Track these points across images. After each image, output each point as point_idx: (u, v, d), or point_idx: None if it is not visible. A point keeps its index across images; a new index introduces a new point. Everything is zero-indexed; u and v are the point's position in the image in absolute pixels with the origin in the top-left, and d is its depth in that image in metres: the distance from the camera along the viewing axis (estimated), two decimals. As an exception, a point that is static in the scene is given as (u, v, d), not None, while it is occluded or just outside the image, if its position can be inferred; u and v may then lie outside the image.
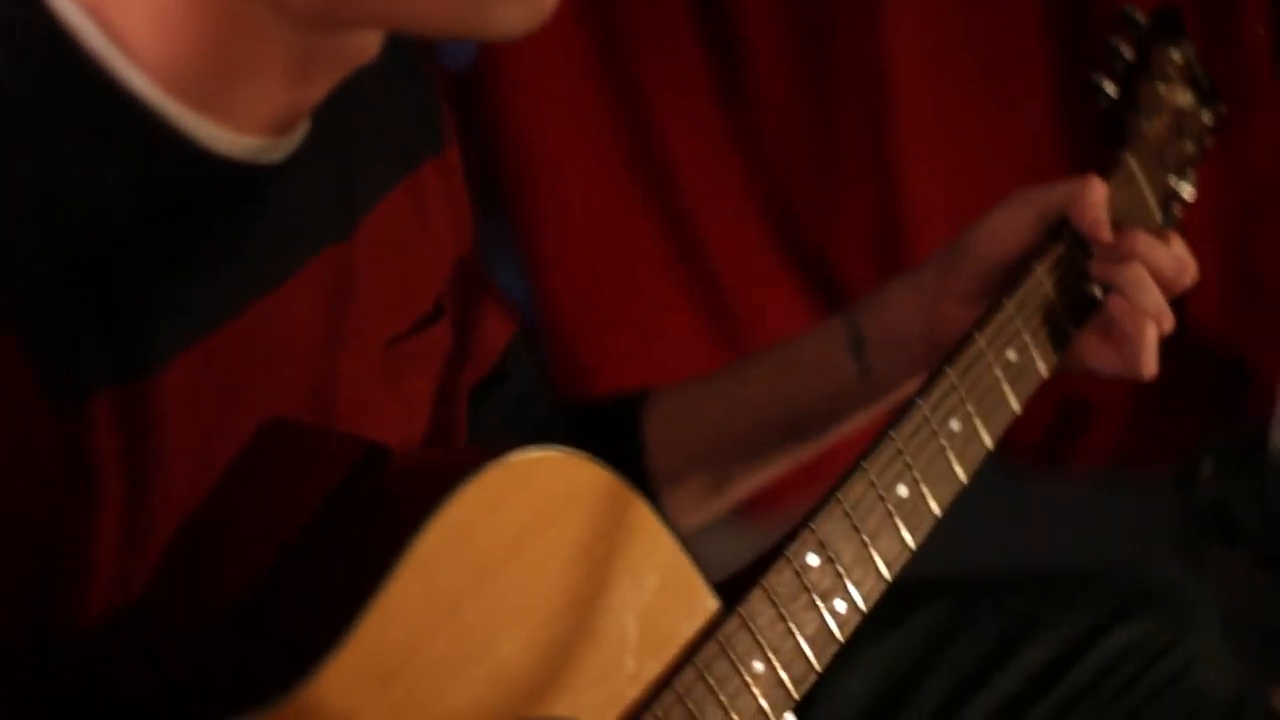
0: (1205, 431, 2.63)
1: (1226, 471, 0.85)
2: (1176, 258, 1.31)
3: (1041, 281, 1.30)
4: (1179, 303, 1.33)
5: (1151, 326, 1.30)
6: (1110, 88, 1.40)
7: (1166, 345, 1.32)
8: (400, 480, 1.11)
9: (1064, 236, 1.32)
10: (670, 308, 2.60)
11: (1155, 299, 1.29)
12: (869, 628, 1.43)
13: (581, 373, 2.49)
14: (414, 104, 1.27)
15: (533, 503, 1.07)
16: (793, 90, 2.59)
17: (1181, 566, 2.10)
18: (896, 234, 2.65)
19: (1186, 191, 1.44)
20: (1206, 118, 1.47)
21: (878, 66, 2.55)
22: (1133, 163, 1.38)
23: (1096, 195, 1.32)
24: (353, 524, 1.08)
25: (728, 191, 2.61)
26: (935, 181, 2.63)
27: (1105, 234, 1.31)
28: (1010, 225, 1.34)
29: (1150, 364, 1.31)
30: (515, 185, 2.44)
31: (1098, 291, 1.33)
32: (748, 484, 1.45)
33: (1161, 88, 1.43)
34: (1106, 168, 1.37)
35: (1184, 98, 1.45)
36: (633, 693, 1.09)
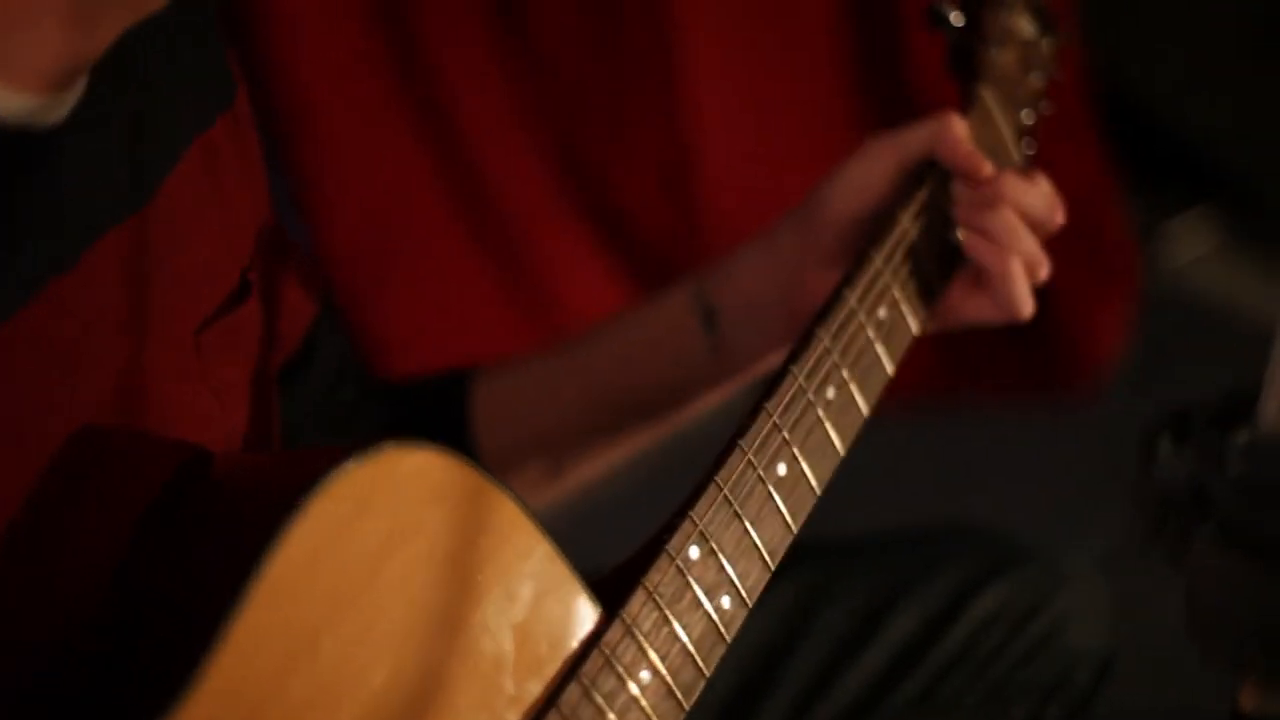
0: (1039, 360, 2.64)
1: (1189, 449, 0.78)
2: (1045, 196, 1.23)
3: (907, 230, 1.21)
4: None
5: (1018, 263, 1.21)
6: (955, 15, 1.31)
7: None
8: (231, 495, 0.98)
9: (928, 180, 1.23)
10: (458, 260, 2.47)
11: (1029, 245, 1.21)
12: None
13: (366, 336, 2.35)
14: (205, 55, 1.12)
15: (388, 514, 0.94)
16: (577, 28, 2.46)
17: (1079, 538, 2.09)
18: (684, 176, 2.56)
19: (1032, 121, 1.36)
20: (1048, 47, 1.39)
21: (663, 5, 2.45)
22: (988, 97, 1.29)
23: (960, 129, 1.23)
24: (182, 551, 0.95)
25: (513, 138, 2.48)
26: (722, 120, 2.54)
27: (983, 165, 1.21)
28: (867, 178, 1.23)
29: (1026, 303, 1.22)
30: (286, 134, 2.27)
31: (957, 235, 1.24)
32: (589, 470, 1.34)
33: (1005, 17, 1.35)
34: (962, 104, 1.29)
35: (1027, 28, 1.37)
36: (513, 717, 0.97)
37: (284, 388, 1.20)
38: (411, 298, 2.43)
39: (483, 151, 2.44)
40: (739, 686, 1.36)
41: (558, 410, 1.32)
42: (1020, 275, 1.21)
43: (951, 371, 2.65)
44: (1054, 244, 1.25)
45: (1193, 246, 2.95)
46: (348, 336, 1.32)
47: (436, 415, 1.33)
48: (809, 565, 1.40)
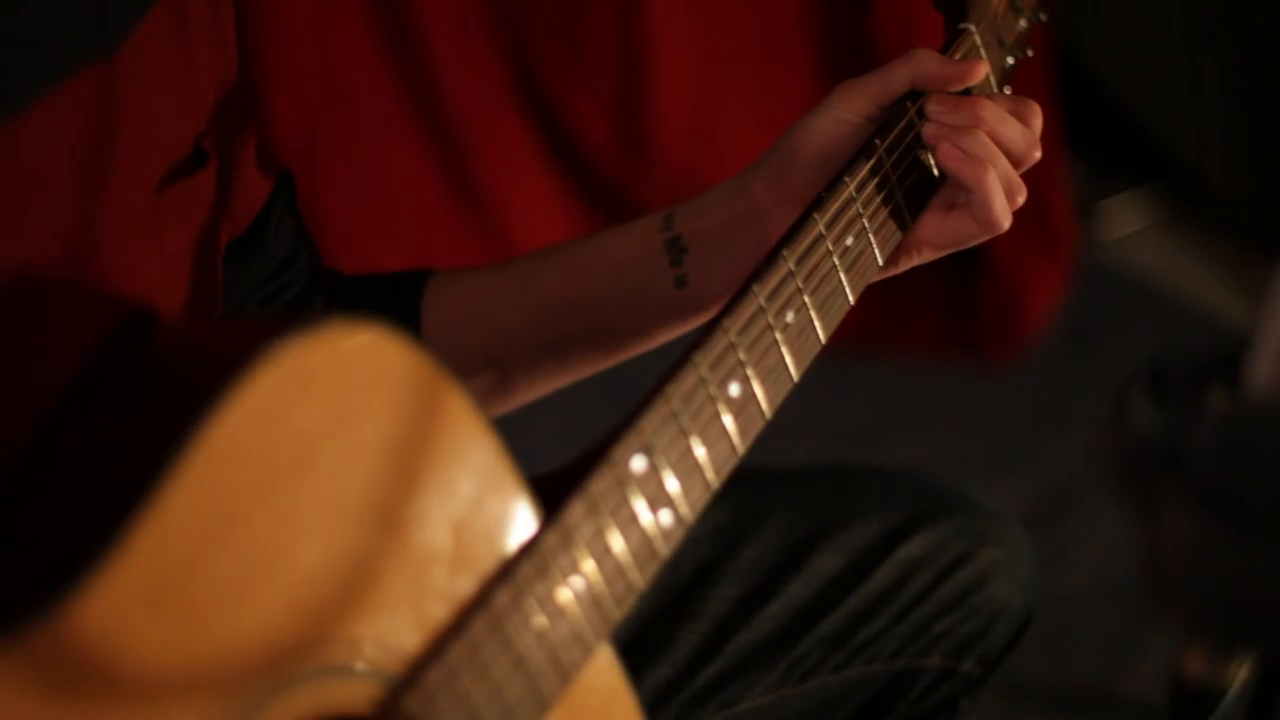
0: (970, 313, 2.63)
1: (1166, 407, 0.75)
2: (1023, 131, 1.20)
3: (882, 160, 1.18)
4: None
5: (994, 175, 1.18)
6: None
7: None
8: (173, 358, 0.94)
9: (906, 114, 1.20)
10: (405, 162, 2.42)
11: (1005, 165, 1.18)
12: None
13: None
14: None
15: (331, 393, 0.91)
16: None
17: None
18: (634, 103, 2.52)
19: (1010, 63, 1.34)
20: None
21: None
22: (976, 37, 1.27)
23: (933, 58, 1.20)
24: (118, 408, 0.91)
25: (469, 46, 2.43)
26: (678, 50, 2.51)
27: (967, 70, 1.19)
28: (844, 117, 1.20)
29: (1005, 216, 1.19)
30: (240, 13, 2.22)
31: (937, 171, 1.21)
32: (536, 389, 1.30)
33: None
34: (948, 40, 1.26)
35: (1015, -30, 1.35)
36: (442, 612, 0.95)
37: (231, 266, 1.16)
38: (355, 197, 2.38)
39: (437, 55, 2.39)
40: (661, 606, 1.34)
41: (509, 323, 1.28)
42: (998, 187, 1.18)
43: (882, 322, 2.64)
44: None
45: (1130, 222, 2.95)
46: (301, 222, 1.28)
47: (386, 313, 1.29)
48: (742, 491, 1.37)
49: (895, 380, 2.64)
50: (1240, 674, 0.82)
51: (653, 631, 1.33)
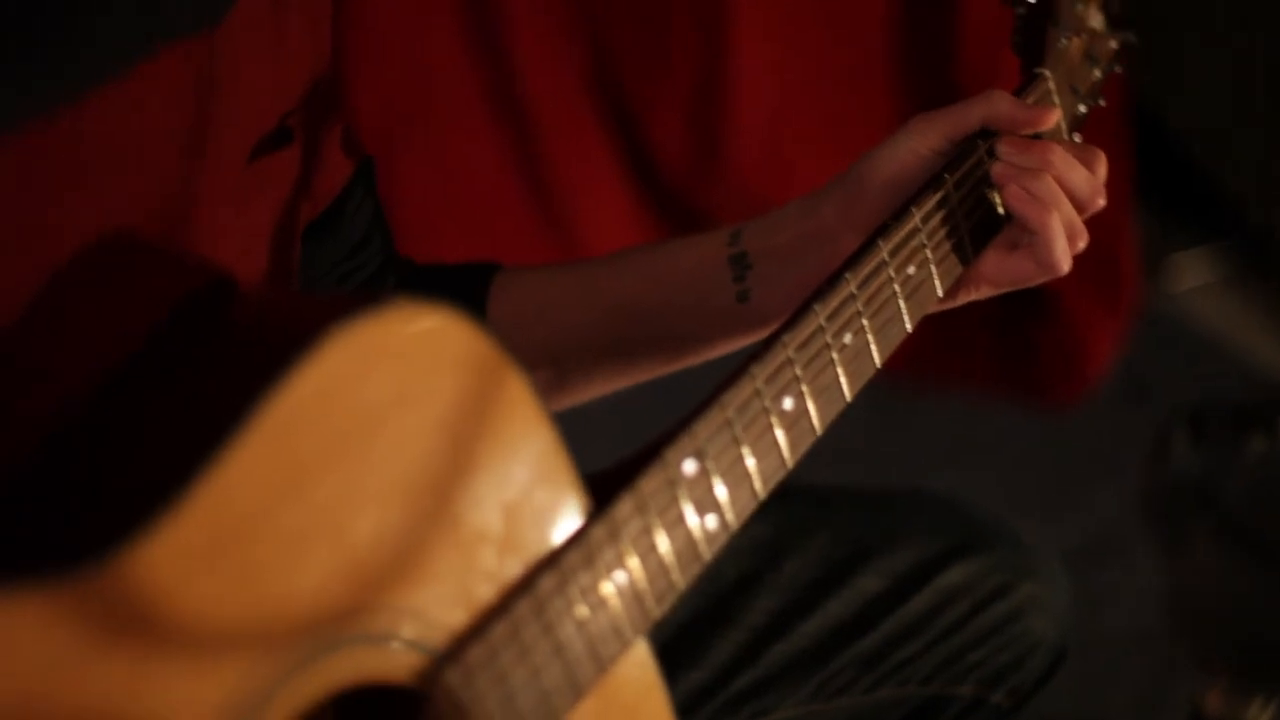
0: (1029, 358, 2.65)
1: (1204, 447, 0.78)
2: (1089, 178, 1.22)
3: (950, 194, 1.20)
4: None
5: (1058, 219, 1.21)
6: None
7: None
8: (253, 323, 0.98)
9: (976, 150, 1.23)
10: (481, 157, 2.46)
11: (1069, 209, 1.20)
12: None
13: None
14: None
15: (404, 369, 0.94)
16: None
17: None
18: (713, 118, 2.55)
19: (1082, 111, 1.36)
20: (1114, 44, 1.39)
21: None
22: (1050, 82, 1.29)
23: (1008, 100, 1.22)
24: (195, 365, 0.94)
25: (554, 49, 2.47)
26: (761, 70, 2.53)
27: (1042, 113, 1.21)
28: (914, 152, 1.22)
29: (1065, 260, 1.21)
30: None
31: (1002, 210, 1.24)
32: (594, 389, 1.33)
33: (1079, 6, 1.34)
34: (1023, 84, 1.28)
35: (1097, 20, 1.37)
36: (488, 592, 0.97)
37: (308, 244, 1.20)
38: (429, 187, 2.41)
39: (520, 53, 2.43)
40: (700, 612, 1.37)
41: (572, 322, 1.31)
42: (1060, 231, 1.20)
43: (942, 356, 2.65)
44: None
45: (1197, 277, 2.96)
46: (379, 206, 1.31)
47: (448, 299, 1.32)
48: (789, 505, 1.40)
49: (949, 413, 2.66)
50: (1261, 714, 0.84)
51: (690, 636, 1.36)
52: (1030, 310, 2.67)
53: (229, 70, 1.01)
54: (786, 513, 1.41)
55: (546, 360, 1.32)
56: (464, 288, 1.32)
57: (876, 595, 1.39)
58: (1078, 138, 1.34)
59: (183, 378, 0.94)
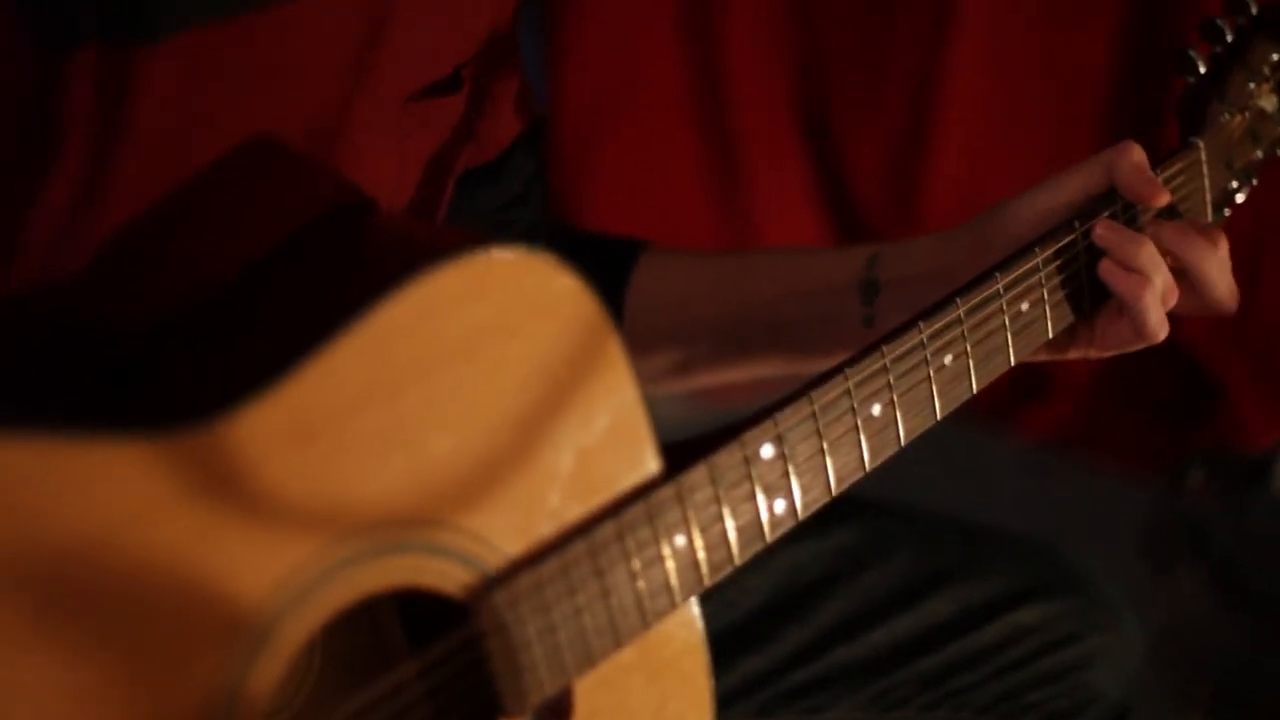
0: (1185, 444, 2.63)
1: (1213, 489, 0.81)
2: (1211, 253, 1.25)
3: (1076, 242, 1.24)
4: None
5: (1152, 293, 1.23)
6: (1200, 66, 1.33)
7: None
8: (380, 240, 1.05)
9: (1114, 203, 1.26)
10: (678, 155, 2.52)
11: (1164, 280, 1.23)
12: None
13: (571, 181, 2.42)
14: None
15: (507, 304, 1.01)
16: (857, 3, 2.50)
17: (1134, 572, 2.09)
18: (913, 162, 2.58)
19: (1239, 197, 1.38)
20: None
21: (945, 8, 2.47)
22: (1203, 152, 1.31)
23: (1135, 155, 1.24)
24: (319, 268, 1.02)
25: (766, 66, 2.52)
26: (968, 120, 2.56)
27: (1156, 191, 1.23)
28: (1050, 204, 1.26)
29: (1160, 329, 1.24)
30: None
31: (1103, 264, 1.26)
32: (712, 378, 1.39)
33: (1251, 85, 1.36)
34: (1176, 149, 1.31)
35: (1269, 102, 1.39)
36: (547, 529, 1.04)
37: (466, 191, 1.26)
38: (623, 184, 2.48)
39: (732, 64, 2.49)
40: (773, 604, 1.41)
41: (705, 315, 1.37)
42: (1152, 303, 1.23)
43: (1098, 427, 2.64)
44: (1230, 339, 1.26)
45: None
46: (543, 167, 1.38)
47: (598, 272, 1.39)
48: (879, 518, 1.45)
49: (1084, 481, 2.65)
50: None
51: (759, 623, 1.41)
52: (1194, 393, 2.66)
53: (405, 13, 1.08)
54: (875, 525, 1.45)
55: (677, 344, 1.38)
56: (611, 258, 1.38)
57: (946, 619, 1.43)
58: (1227, 212, 1.36)
59: (311, 276, 1.02)
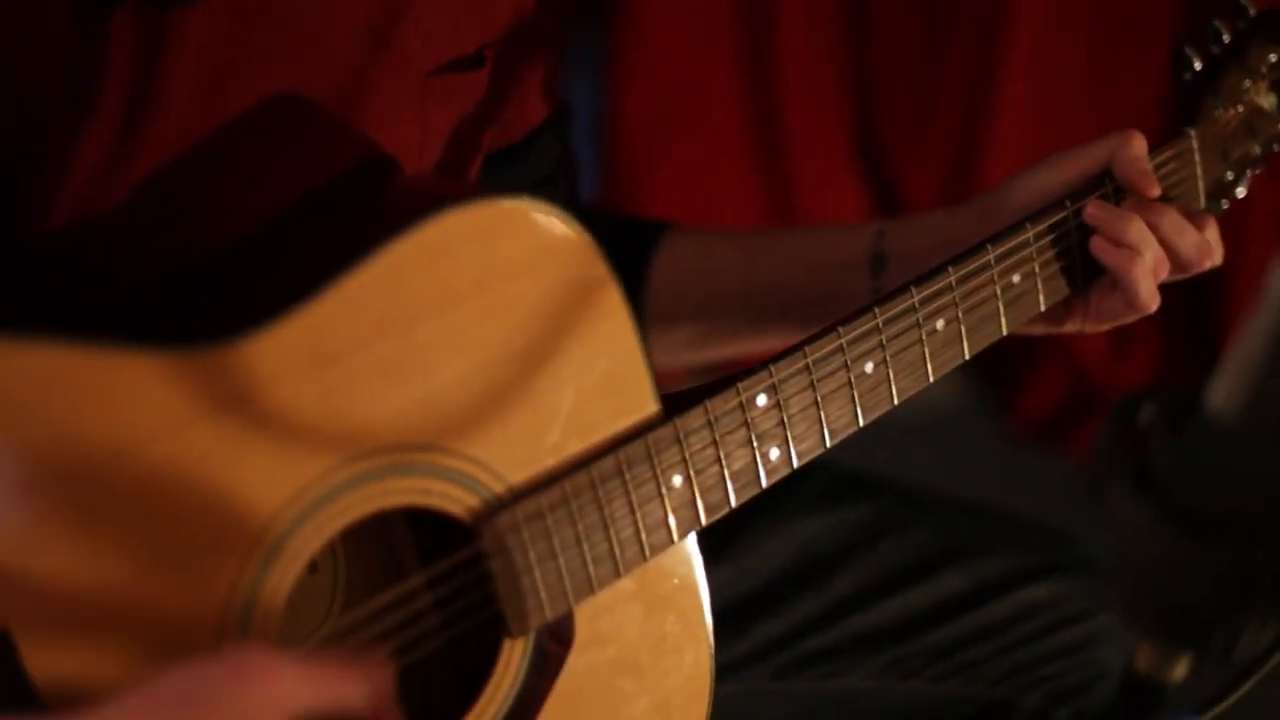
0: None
1: (1164, 422, 0.87)
2: (1198, 241, 1.31)
3: (1068, 220, 1.31)
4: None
5: (1142, 265, 1.29)
6: (1196, 63, 1.40)
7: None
8: (399, 190, 1.14)
9: (1104, 185, 1.32)
10: (730, 166, 2.61)
11: (1154, 254, 1.29)
12: (801, 503, 1.47)
13: (630, 195, 2.51)
14: None
15: (514, 248, 1.09)
16: (911, 20, 2.58)
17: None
18: (968, 183, 2.65)
19: (1239, 190, 1.44)
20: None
21: (996, 30, 2.55)
22: (1193, 140, 1.38)
23: (1136, 148, 1.32)
24: (341, 213, 1.11)
25: (820, 83, 2.60)
26: (1021, 152, 2.62)
27: (1151, 184, 1.30)
28: (1051, 182, 1.33)
29: (1152, 299, 1.30)
30: (620, 10, 2.44)
31: (1094, 241, 1.33)
32: (731, 349, 1.47)
33: (1246, 83, 1.43)
34: (1168, 137, 1.38)
35: (1267, 100, 1.45)
36: (549, 461, 1.11)
37: (493, 171, 1.35)
38: (677, 197, 2.57)
39: (787, 84, 2.57)
40: (790, 573, 1.48)
41: (723, 288, 1.45)
42: (1143, 275, 1.29)
43: None
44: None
45: None
46: (569, 154, 1.47)
47: (622, 252, 1.48)
48: (895, 496, 1.52)
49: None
50: (1182, 671, 0.93)
51: (777, 590, 1.47)
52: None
53: None
54: (891, 503, 1.51)
55: (698, 317, 1.46)
56: (637, 236, 1.47)
57: (959, 592, 1.48)
58: (1225, 204, 1.42)
59: (334, 220, 1.11)
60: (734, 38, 2.56)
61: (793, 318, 1.43)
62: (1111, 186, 1.32)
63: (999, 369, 2.60)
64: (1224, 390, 0.83)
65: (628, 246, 1.47)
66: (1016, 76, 2.58)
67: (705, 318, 1.46)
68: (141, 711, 0.93)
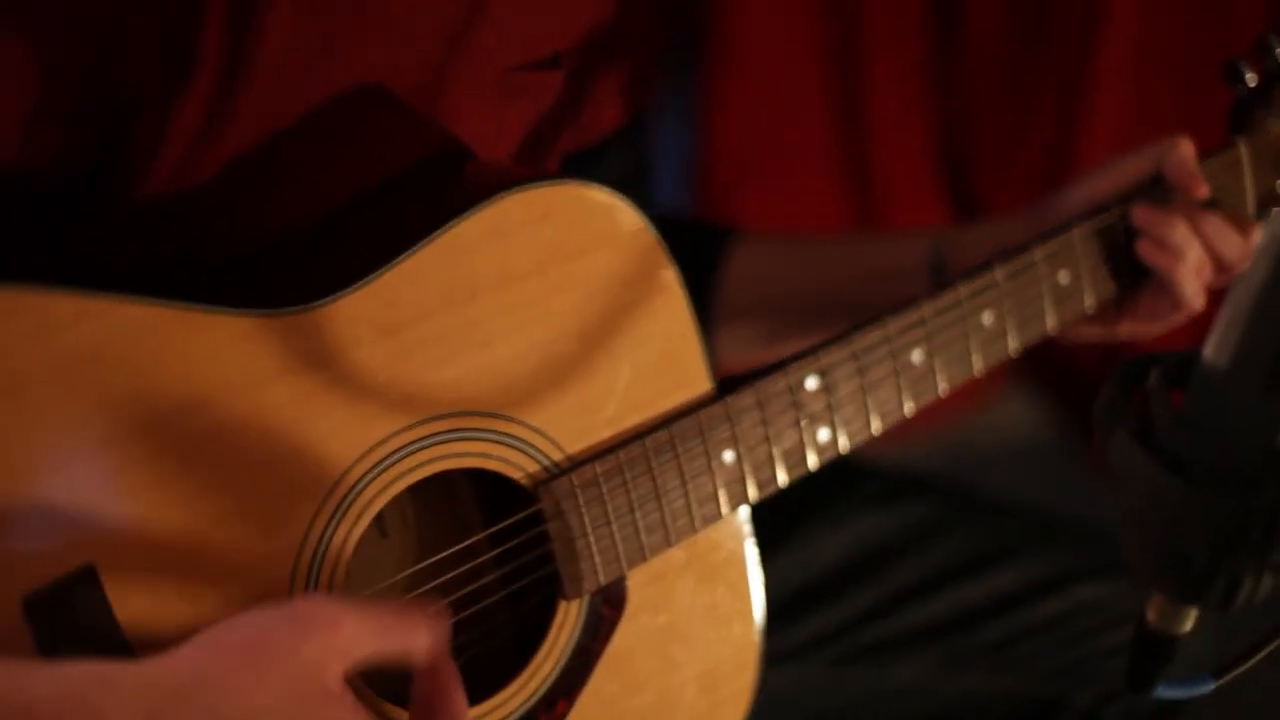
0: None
1: (1163, 385, 0.92)
2: (1240, 245, 1.36)
3: (1115, 224, 1.36)
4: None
5: (1186, 266, 1.35)
6: (1251, 77, 1.45)
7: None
8: (470, 174, 1.21)
9: (1155, 191, 1.38)
10: (819, 187, 2.66)
11: (1197, 253, 1.34)
12: (857, 501, 1.52)
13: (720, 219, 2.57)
14: None
15: (574, 229, 1.16)
16: (1001, 46, 2.63)
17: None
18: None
19: None
20: None
21: (1085, 56, 2.59)
22: (1243, 150, 1.43)
23: (1184, 150, 1.37)
24: (415, 194, 1.18)
25: (909, 109, 2.66)
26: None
27: (1197, 183, 1.36)
28: (1103, 187, 1.39)
29: (1197, 299, 1.36)
30: (714, 36, 2.51)
31: (1140, 242, 1.38)
32: (794, 348, 1.53)
33: None
34: (1220, 148, 1.42)
35: (1320, 117, 1.49)
36: (605, 433, 1.18)
37: (569, 172, 1.42)
38: (763, 209, 2.62)
39: (876, 114, 2.63)
40: (846, 567, 1.53)
41: (791, 290, 1.52)
42: (1188, 276, 1.35)
43: None
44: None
45: None
46: (644, 160, 1.54)
47: (699, 250, 1.54)
48: (945, 497, 1.57)
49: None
50: (1189, 621, 0.98)
51: (832, 583, 1.53)
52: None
53: None
54: (944, 503, 1.57)
55: (766, 317, 1.52)
56: (710, 240, 1.54)
57: (1011, 590, 1.53)
58: (1274, 210, 1.47)
59: (407, 201, 1.18)
60: (822, 69, 2.62)
61: (856, 320, 1.49)
62: (1160, 192, 1.37)
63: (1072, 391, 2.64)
64: (1215, 343, 0.88)
65: (699, 250, 1.54)
66: (1108, 96, 2.61)
67: (773, 317, 1.52)
68: (210, 657, 0.99)
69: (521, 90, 1.30)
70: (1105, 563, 1.55)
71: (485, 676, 1.18)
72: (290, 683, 0.98)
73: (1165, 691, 1.07)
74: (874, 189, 2.67)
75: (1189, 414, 0.90)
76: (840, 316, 1.49)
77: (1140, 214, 1.36)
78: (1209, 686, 1.08)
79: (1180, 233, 1.34)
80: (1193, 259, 1.34)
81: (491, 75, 1.26)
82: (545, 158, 1.36)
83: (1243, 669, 1.07)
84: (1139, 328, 1.41)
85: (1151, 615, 1.00)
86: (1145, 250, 1.35)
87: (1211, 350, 0.88)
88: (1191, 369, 0.90)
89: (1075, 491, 2.58)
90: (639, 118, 1.50)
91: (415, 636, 1.03)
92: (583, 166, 1.44)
